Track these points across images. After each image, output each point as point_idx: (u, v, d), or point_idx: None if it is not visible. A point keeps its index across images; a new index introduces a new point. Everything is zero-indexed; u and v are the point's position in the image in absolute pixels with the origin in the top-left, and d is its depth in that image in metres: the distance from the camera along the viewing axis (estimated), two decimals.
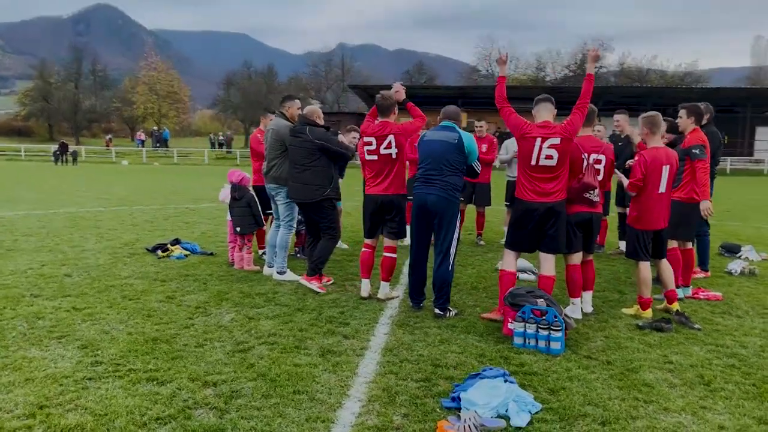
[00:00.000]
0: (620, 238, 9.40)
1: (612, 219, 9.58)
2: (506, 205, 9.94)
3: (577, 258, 5.85)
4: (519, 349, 4.86)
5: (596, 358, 4.73)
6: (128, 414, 3.60)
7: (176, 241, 8.75)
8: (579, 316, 5.77)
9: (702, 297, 6.59)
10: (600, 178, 5.77)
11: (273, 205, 7.38)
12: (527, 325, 4.89)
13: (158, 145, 56.82)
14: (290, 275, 7.05)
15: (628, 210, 8.74)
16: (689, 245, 6.80)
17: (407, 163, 6.86)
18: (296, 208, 7.07)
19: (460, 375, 4.31)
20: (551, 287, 5.58)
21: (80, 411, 3.64)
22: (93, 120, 77.45)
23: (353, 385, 4.12)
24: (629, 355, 4.81)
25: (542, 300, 5.02)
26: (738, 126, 43.44)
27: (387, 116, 6.22)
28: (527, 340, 4.91)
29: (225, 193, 7.86)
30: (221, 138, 58.01)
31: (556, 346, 4.80)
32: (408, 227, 6.49)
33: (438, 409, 3.78)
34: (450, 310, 5.77)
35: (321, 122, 6.66)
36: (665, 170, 5.68)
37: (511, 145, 9.71)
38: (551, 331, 4.80)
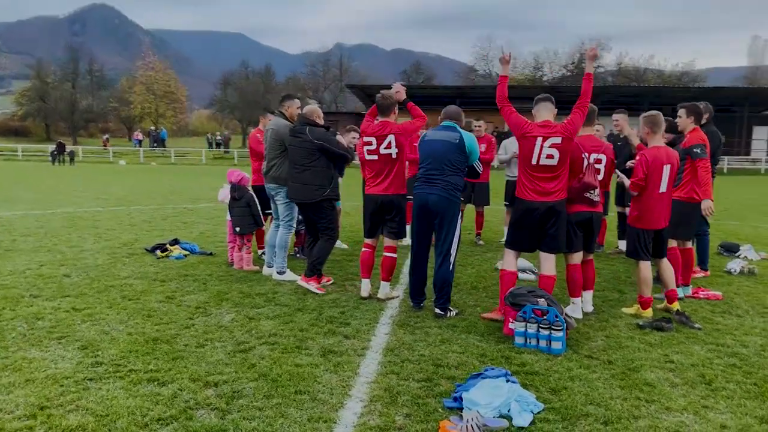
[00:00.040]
0: (619, 238, 9.41)
1: (611, 219, 9.59)
2: (505, 205, 9.94)
3: (577, 257, 5.85)
4: (520, 349, 4.86)
5: (597, 358, 4.73)
6: (129, 415, 3.59)
7: (175, 241, 8.73)
8: (579, 315, 5.77)
9: (702, 296, 6.60)
10: (600, 177, 5.77)
11: (272, 205, 7.36)
12: (528, 324, 4.89)
13: (155, 145, 56.73)
14: (290, 275, 7.04)
15: (627, 209, 8.81)
16: (689, 245, 6.81)
17: (406, 163, 6.84)
18: (296, 208, 7.06)
19: (462, 375, 4.31)
20: (552, 287, 5.58)
21: (81, 412, 3.62)
22: (90, 120, 77.30)
23: (355, 385, 4.11)
24: (630, 355, 4.81)
25: (543, 300, 5.02)
26: (735, 125, 43.50)
27: (387, 116, 6.21)
28: (528, 340, 4.91)
29: (224, 193, 7.85)
30: (219, 138, 57.94)
31: (557, 345, 4.80)
32: (408, 227, 6.49)
33: (440, 409, 3.77)
34: (450, 310, 5.77)
35: (321, 122, 6.65)
36: (666, 170, 5.69)
37: (510, 145, 9.72)
38: (552, 331, 4.80)
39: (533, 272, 7.48)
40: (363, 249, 6.43)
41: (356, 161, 7.20)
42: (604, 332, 5.39)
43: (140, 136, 57.70)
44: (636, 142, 7.29)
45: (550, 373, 4.39)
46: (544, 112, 5.55)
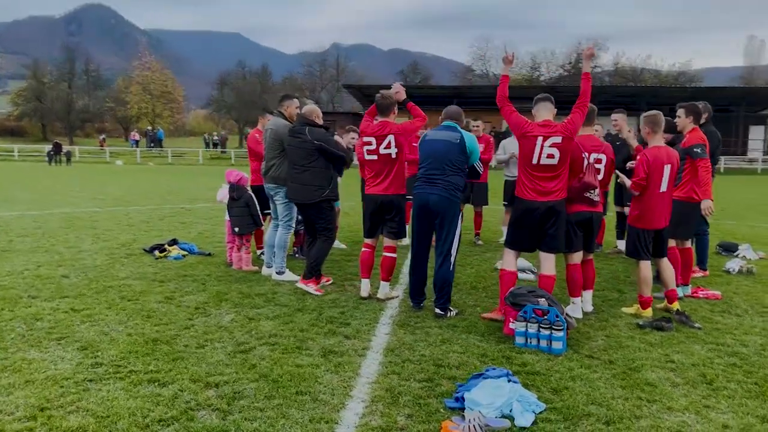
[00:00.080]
0: (618, 237, 9.42)
1: (609, 218, 9.58)
2: (504, 205, 9.93)
3: (577, 257, 5.85)
4: (521, 349, 4.85)
5: (598, 358, 4.73)
6: (130, 416, 3.58)
7: (174, 242, 8.71)
8: (579, 315, 5.77)
9: (701, 296, 6.61)
10: (600, 177, 5.77)
11: (271, 205, 7.35)
12: (529, 324, 4.88)
13: (152, 145, 56.62)
14: (289, 275, 7.03)
15: (626, 209, 8.82)
16: (688, 244, 6.81)
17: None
18: (295, 208, 7.04)
19: (463, 375, 4.30)
20: (552, 286, 5.58)
21: (82, 413, 3.61)
22: (86, 120, 77.17)
23: (356, 386, 4.10)
24: (631, 355, 4.81)
25: (543, 299, 5.02)
26: (732, 125, 43.60)
27: (386, 116, 6.20)
28: (529, 340, 4.90)
29: (223, 193, 7.83)
30: (215, 138, 57.86)
31: (557, 345, 4.80)
32: (408, 227, 6.49)
33: (442, 410, 3.77)
34: (451, 310, 5.76)
35: (320, 122, 6.63)
36: (666, 169, 5.69)
37: (509, 145, 9.72)
38: (553, 331, 4.80)
39: (532, 272, 7.48)
40: (363, 249, 6.42)
41: (355, 161, 7.19)
42: (605, 332, 5.39)
43: (137, 137, 57.60)
44: (635, 144, 7.30)
45: (551, 373, 4.39)
46: (544, 111, 5.55)
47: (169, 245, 8.52)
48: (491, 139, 10.07)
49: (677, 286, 6.23)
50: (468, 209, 9.88)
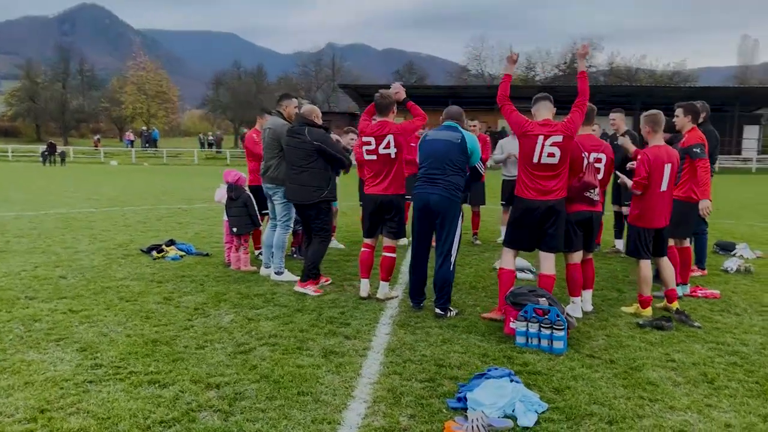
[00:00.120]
0: (616, 237, 9.43)
1: (607, 218, 9.58)
2: (502, 205, 9.93)
3: (577, 257, 5.85)
4: (522, 349, 4.85)
5: (599, 357, 4.73)
6: (131, 417, 3.55)
7: (171, 242, 8.68)
8: (579, 314, 5.77)
9: (700, 295, 6.62)
10: (600, 176, 5.77)
11: (269, 205, 7.32)
12: (529, 324, 4.88)
13: (147, 145, 56.45)
14: (288, 276, 7.01)
15: (624, 208, 8.84)
16: (687, 243, 6.82)
17: None
18: (293, 208, 7.02)
19: (465, 375, 4.29)
20: (552, 286, 5.57)
21: (82, 415, 3.59)
22: (81, 120, 76.87)
23: (357, 386, 4.09)
24: (632, 354, 4.81)
25: (544, 299, 5.02)
26: (726, 124, 43.74)
27: (385, 115, 6.19)
28: (530, 340, 4.90)
29: (221, 194, 7.80)
30: (211, 138, 57.72)
31: (558, 345, 4.79)
32: (408, 227, 6.47)
33: (444, 410, 3.75)
34: (451, 310, 5.75)
35: (319, 122, 6.60)
36: (667, 168, 5.70)
37: (506, 145, 9.73)
38: (554, 330, 4.79)
39: (531, 271, 7.48)
40: (362, 249, 6.40)
41: (354, 162, 7.17)
42: (605, 331, 5.39)
43: (132, 137, 57.41)
44: (632, 148, 7.28)
45: (552, 372, 4.38)
46: (544, 111, 5.55)
47: (167, 246, 8.49)
48: (488, 138, 10.07)
49: (676, 285, 6.24)
50: (466, 209, 9.87)
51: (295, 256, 8.33)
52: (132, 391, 3.92)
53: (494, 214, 12.44)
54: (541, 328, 4.83)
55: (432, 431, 3.50)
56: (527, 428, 3.54)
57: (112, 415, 3.57)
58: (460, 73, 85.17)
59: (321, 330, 5.24)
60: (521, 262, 7.39)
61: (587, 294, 6.02)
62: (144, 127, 64.52)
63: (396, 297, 6.37)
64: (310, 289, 6.46)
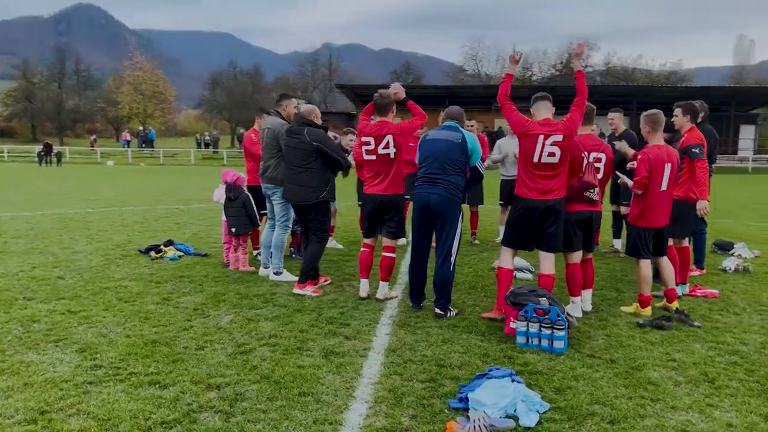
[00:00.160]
0: (614, 236, 9.44)
1: (605, 217, 9.59)
2: (501, 204, 9.93)
3: (577, 256, 5.85)
4: (522, 349, 4.84)
5: (600, 357, 4.73)
6: (132, 418, 3.54)
7: (169, 242, 8.66)
8: (579, 314, 5.77)
9: (699, 294, 6.63)
10: (600, 176, 5.77)
11: (268, 205, 7.31)
12: (530, 324, 4.88)
13: (144, 145, 56.33)
14: (287, 276, 6.99)
15: (622, 208, 8.85)
16: (685, 243, 6.82)
17: None
18: (292, 208, 7.00)
19: (466, 375, 4.29)
20: (551, 286, 5.58)
21: (83, 416, 3.57)
22: (77, 120, 76.77)
23: (358, 387, 4.08)
24: (632, 354, 4.81)
25: (545, 299, 5.02)
26: (722, 124, 43.84)
27: (385, 115, 6.17)
28: (530, 339, 4.89)
29: (219, 194, 7.78)
30: (207, 138, 57.62)
31: (559, 345, 4.79)
32: (408, 227, 6.46)
33: (446, 410, 3.75)
34: (451, 310, 5.75)
35: (319, 122, 6.58)
36: (667, 168, 5.70)
37: (504, 145, 9.73)
38: (554, 330, 4.79)
39: (530, 271, 7.48)
40: (362, 249, 6.39)
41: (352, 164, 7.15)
42: (605, 331, 5.39)
43: (128, 137, 57.28)
44: (630, 152, 7.27)
45: (553, 372, 4.38)
46: (544, 110, 5.55)
47: (165, 246, 8.47)
48: (485, 138, 10.07)
49: (676, 284, 6.24)
50: (464, 209, 9.87)
51: (293, 256, 8.31)
52: (132, 392, 3.91)
53: (492, 214, 12.44)
54: (542, 328, 4.83)
55: (434, 431, 3.49)
56: (529, 428, 3.54)
57: (113, 416, 3.56)
58: (456, 73, 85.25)
59: (321, 330, 5.23)
60: (520, 261, 7.39)
61: (587, 294, 6.02)
62: (140, 128, 64.37)
63: (395, 297, 6.36)
64: (309, 290, 6.44)
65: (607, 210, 9.18)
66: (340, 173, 7.27)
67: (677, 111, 6.67)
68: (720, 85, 58.14)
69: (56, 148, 42.75)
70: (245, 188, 7.70)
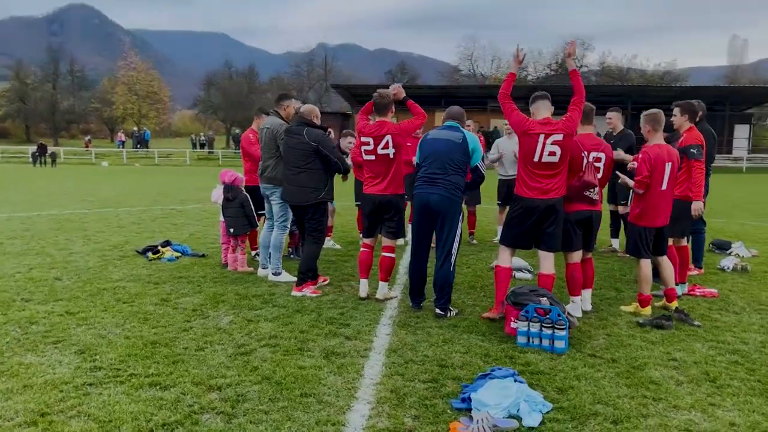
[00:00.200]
0: (612, 236, 9.45)
1: (604, 217, 9.59)
2: (498, 204, 9.93)
3: (577, 256, 5.85)
4: (523, 348, 4.83)
5: (601, 357, 4.72)
6: (133, 420, 3.52)
7: (167, 243, 8.62)
8: (579, 314, 5.76)
9: (698, 294, 6.64)
10: (599, 176, 5.77)
11: (266, 205, 7.27)
12: (531, 323, 4.87)
13: (139, 146, 56.14)
14: (286, 276, 6.97)
15: (620, 207, 8.86)
16: (684, 242, 6.83)
17: None
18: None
19: (467, 375, 4.28)
20: (551, 285, 5.57)
21: (83, 418, 3.55)
22: (71, 121, 76.41)
23: (360, 387, 4.06)
24: (633, 353, 4.80)
25: (545, 299, 5.01)
26: (717, 124, 43.97)
27: (384, 115, 6.15)
28: (531, 339, 4.88)
29: (217, 194, 7.76)
30: (203, 138, 57.45)
31: (560, 344, 4.79)
32: (409, 226, 6.45)
33: (448, 411, 3.74)
34: (451, 310, 5.74)
35: (318, 122, 6.55)
36: (667, 167, 5.71)
37: (502, 145, 9.74)
38: (555, 330, 4.79)
39: (529, 271, 7.48)
40: (361, 249, 6.37)
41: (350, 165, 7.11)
42: (605, 330, 5.39)
43: (123, 137, 57.08)
44: (629, 158, 7.28)
45: (555, 372, 4.37)
46: (543, 109, 5.55)
47: (162, 247, 8.43)
48: (481, 137, 10.06)
49: (675, 284, 6.25)
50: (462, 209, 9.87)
51: (292, 256, 8.28)
52: (133, 393, 3.88)
53: (490, 214, 12.45)
54: (543, 328, 4.82)
55: None
56: (532, 428, 3.53)
57: (114, 418, 3.53)
58: (451, 73, 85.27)
59: (321, 331, 5.21)
60: (519, 261, 7.39)
61: (587, 293, 6.02)
62: (135, 128, 64.15)
63: (395, 297, 6.34)
64: (307, 291, 6.41)
65: (605, 209, 9.21)
66: (342, 179, 7.22)
67: (676, 110, 6.68)
68: (714, 84, 58.32)
69: (50, 149, 42.61)
70: (243, 188, 7.67)
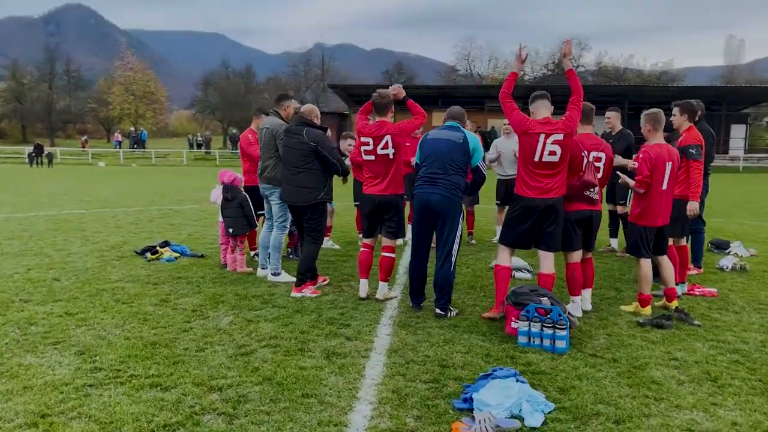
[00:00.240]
0: (611, 236, 9.45)
1: (603, 217, 9.60)
2: (497, 204, 9.93)
3: (577, 256, 5.85)
4: (524, 348, 4.83)
5: (602, 356, 4.72)
6: (134, 421, 3.50)
7: (165, 243, 8.60)
8: (580, 314, 5.76)
9: (698, 293, 6.64)
10: (599, 175, 5.77)
11: (266, 206, 7.25)
12: (532, 323, 4.86)
13: (135, 146, 56.03)
14: (285, 276, 6.95)
15: (618, 207, 8.86)
16: (683, 242, 6.84)
17: None
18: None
19: (468, 375, 4.27)
20: (551, 285, 5.57)
21: (84, 419, 3.53)
22: (68, 121, 76.22)
23: (362, 388, 4.06)
24: (634, 353, 4.80)
25: (546, 298, 5.01)
26: (713, 123, 43.95)
27: (383, 115, 6.14)
28: (532, 339, 4.88)
29: (216, 194, 7.74)
30: (200, 139, 57.37)
31: (561, 344, 4.78)
32: (408, 226, 6.44)
33: (450, 411, 3.73)
34: (451, 310, 5.73)
35: (318, 122, 6.54)
36: (668, 167, 5.71)
37: (501, 144, 9.73)
38: (556, 330, 4.78)
39: (529, 271, 7.48)
40: (361, 249, 6.36)
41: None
42: (606, 330, 5.38)
43: (120, 138, 56.96)
44: (629, 163, 7.28)
45: (556, 372, 4.37)
46: (543, 109, 5.55)
47: (161, 247, 8.40)
48: (479, 137, 10.05)
49: (675, 284, 6.25)
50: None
51: (291, 256, 8.27)
52: (133, 394, 3.87)
53: (489, 214, 12.45)
54: (544, 328, 4.82)
55: None
56: (535, 428, 3.53)
57: (115, 419, 3.52)
58: (449, 73, 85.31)
59: (321, 331, 5.20)
60: (518, 261, 7.39)
61: (587, 293, 6.02)
62: (132, 128, 64.00)
63: (395, 297, 6.33)
64: (307, 291, 6.40)
65: (603, 209, 9.21)
66: (342, 181, 7.19)
67: (675, 110, 6.68)
68: (711, 84, 58.44)
69: (47, 149, 42.45)
70: (242, 189, 7.65)
